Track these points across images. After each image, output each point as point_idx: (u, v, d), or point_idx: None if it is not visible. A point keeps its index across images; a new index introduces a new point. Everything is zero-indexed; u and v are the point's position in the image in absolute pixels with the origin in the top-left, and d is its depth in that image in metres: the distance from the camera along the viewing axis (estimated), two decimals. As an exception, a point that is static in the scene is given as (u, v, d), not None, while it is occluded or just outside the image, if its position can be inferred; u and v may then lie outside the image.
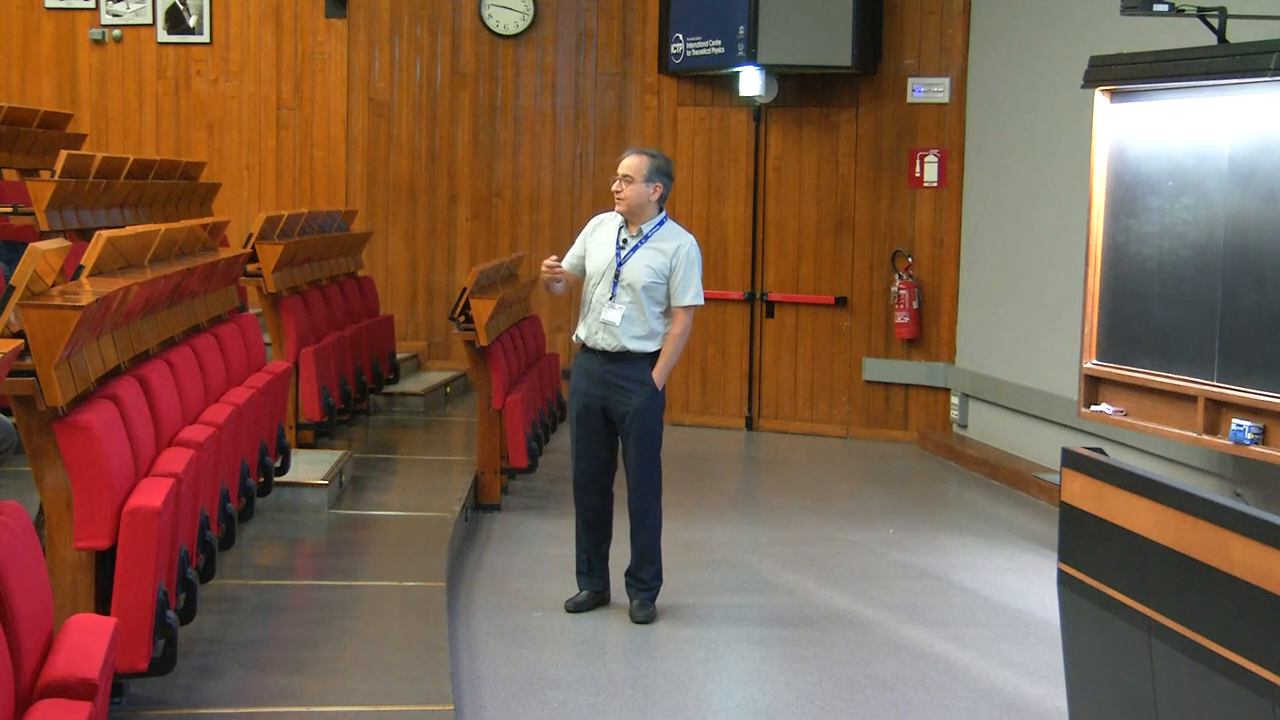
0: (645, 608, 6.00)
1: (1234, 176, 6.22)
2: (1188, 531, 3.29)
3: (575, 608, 6.08)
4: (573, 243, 6.17)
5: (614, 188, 5.91)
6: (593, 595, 6.12)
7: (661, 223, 5.95)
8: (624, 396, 5.90)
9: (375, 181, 11.30)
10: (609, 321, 5.85)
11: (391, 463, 8.47)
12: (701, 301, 5.95)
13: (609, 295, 5.87)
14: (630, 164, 5.87)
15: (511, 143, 11.25)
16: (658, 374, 5.90)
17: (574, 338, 6.08)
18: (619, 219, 5.98)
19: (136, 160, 8.47)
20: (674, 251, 5.88)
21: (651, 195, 5.88)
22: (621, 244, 5.91)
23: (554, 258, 5.98)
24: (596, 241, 6.00)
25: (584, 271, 6.03)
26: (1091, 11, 8.33)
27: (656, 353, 5.91)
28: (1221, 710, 3.16)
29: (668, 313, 5.93)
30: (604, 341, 5.88)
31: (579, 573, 6.16)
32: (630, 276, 5.85)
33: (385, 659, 5.01)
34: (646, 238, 5.90)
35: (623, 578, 6.12)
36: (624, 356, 5.88)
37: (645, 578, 6.04)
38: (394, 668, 4.90)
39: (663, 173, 5.91)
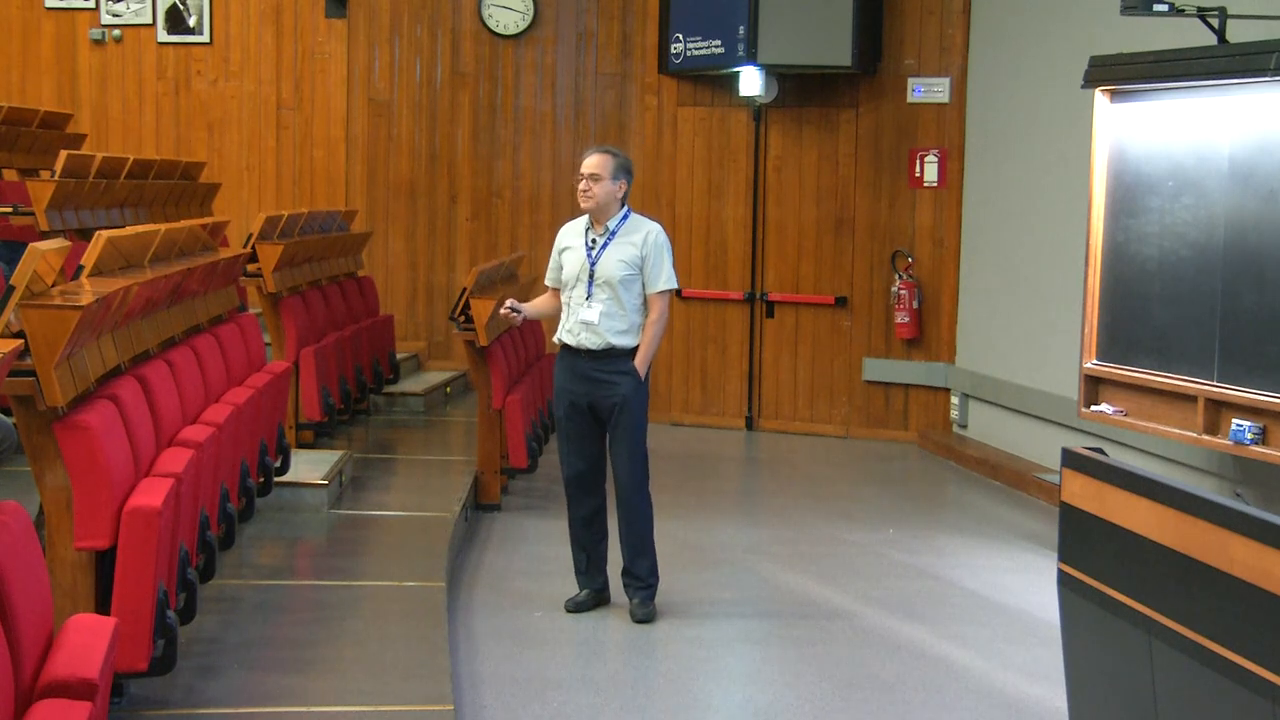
0: (645, 606, 6.00)
1: (1234, 176, 6.22)
2: (1188, 531, 3.29)
3: (575, 607, 6.08)
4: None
5: (581, 187, 5.92)
6: (593, 595, 6.12)
7: (625, 217, 5.99)
8: (610, 390, 5.94)
9: (375, 181, 11.30)
10: (588, 321, 5.90)
11: (391, 463, 8.47)
12: (675, 285, 6.01)
13: (585, 295, 5.91)
14: (596, 162, 5.90)
15: (511, 143, 11.25)
16: (640, 362, 5.95)
17: (555, 339, 6.11)
18: (582, 222, 6.03)
19: (136, 160, 8.47)
20: (643, 241, 5.94)
21: (617, 192, 5.93)
22: (591, 244, 5.95)
23: (512, 300, 6.10)
24: (568, 249, 6.04)
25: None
26: (1091, 11, 8.33)
27: (637, 347, 5.98)
28: (1221, 710, 3.16)
29: (644, 305, 5.98)
30: (588, 340, 5.93)
31: (578, 572, 6.16)
32: (605, 273, 5.89)
33: (385, 659, 5.01)
34: (613, 234, 5.95)
35: (620, 577, 6.12)
36: (608, 353, 5.92)
37: (642, 574, 6.04)
38: (394, 668, 4.90)
39: (626, 170, 5.98)
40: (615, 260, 5.91)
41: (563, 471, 6.16)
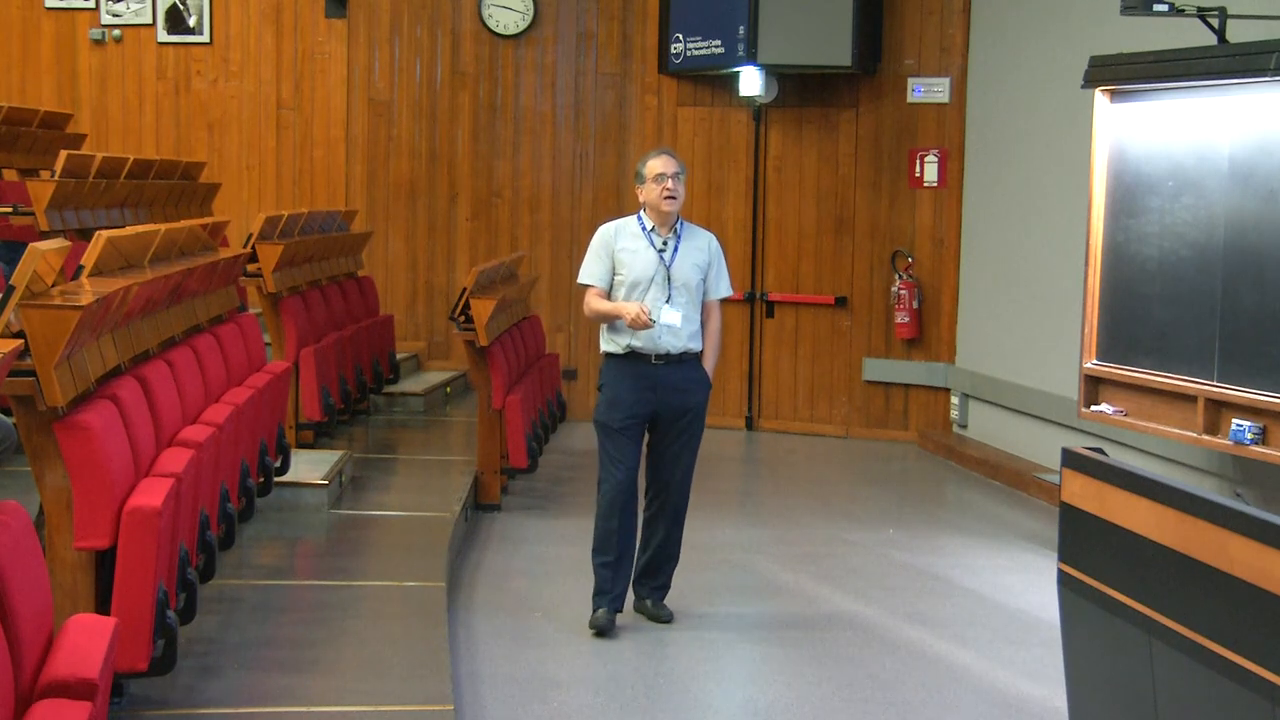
0: (666, 607, 6.00)
1: (1234, 176, 6.22)
2: (1188, 531, 3.29)
3: (603, 631, 5.78)
4: (581, 254, 6.01)
5: (669, 186, 5.76)
6: (616, 611, 5.89)
7: (681, 222, 5.92)
8: (685, 397, 5.81)
9: (375, 181, 11.30)
10: (673, 325, 5.73)
11: (391, 463, 8.47)
12: (733, 292, 6.09)
13: (665, 298, 5.76)
14: (675, 163, 5.83)
15: (511, 143, 11.25)
16: (711, 368, 5.91)
17: (622, 347, 5.78)
18: (634, 223, 5.88)
19: (136, 160, 8.47)
20: (707, 246, 5.92)
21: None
22: (661, 247, 5.81)
23: (640, 304, 5.71)
24: (626, 250, 5.82)
25: (611, 285, 5.85)
26: (1091, 11, 8.33)
27: (700, 350, 5.90)
28: (1221, 710, 3.16)
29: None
30: (669, 344, 5.76)
31: (611, 593, 5.82)
32: (683, 277, 5.79)
33: (385, 659, 5.00)
34: (680, 237, 5.86)
35: (637, 579, 6.01)
36: (683, 357, 5.81)
37: (668, 579, 6.03)
38: (394, 668, 4.89)
39: None
40: (690, 264, 5.81)
41: (610, 482, 5.80)
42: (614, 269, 5.85)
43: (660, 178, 5.79)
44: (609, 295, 5.86)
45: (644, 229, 5.86)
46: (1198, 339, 6.37)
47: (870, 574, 6.96)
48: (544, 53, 11.17)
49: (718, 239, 6.05)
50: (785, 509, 8.46)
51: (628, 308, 5.71)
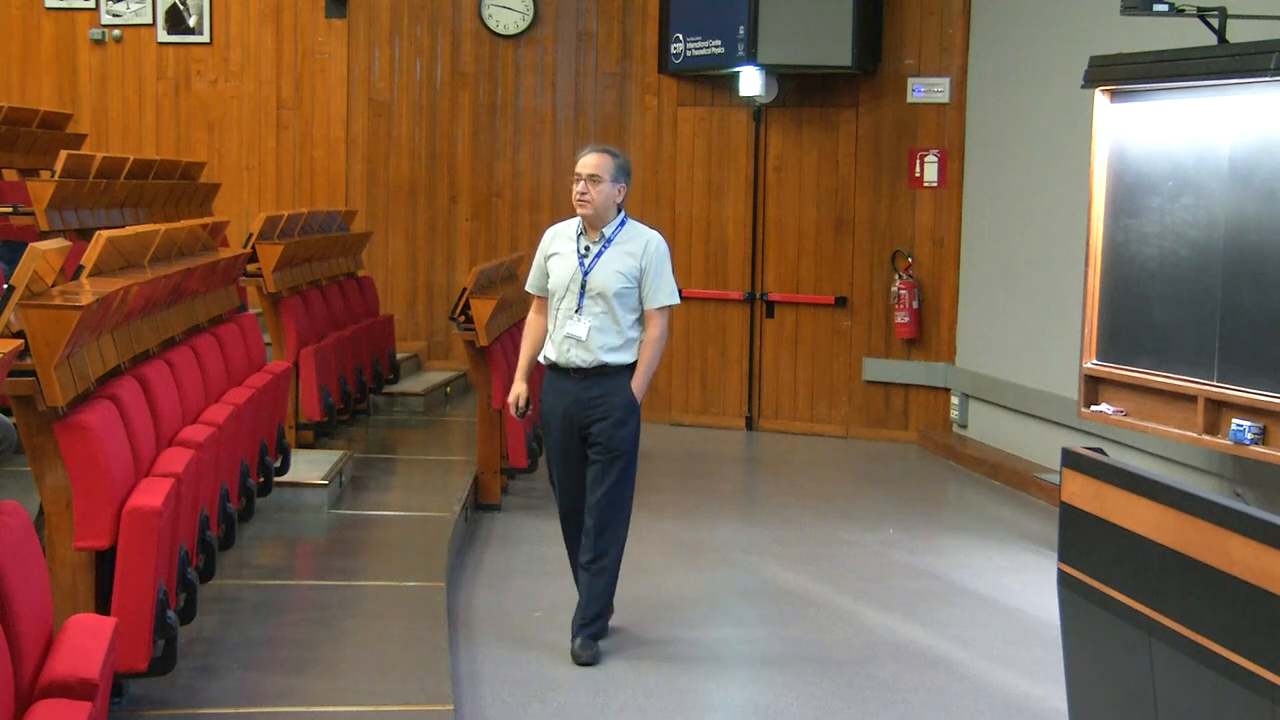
0: (590, 646, 5.46)
1: (1234, 176, 6.22)
2: (1188, 531, 3.29)
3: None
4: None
5: (578, 189, 5.36)
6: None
7: (623, 224, 5.48)
8: (596, 411, 5.42)
9: (375, 181, 11.30)
10: (576, 336, 5.37)
11: (391, 463, 8.47)
12: (677, 300, 5.51)
13: (575, 308, 5.39)
14: (595, 163, 5.37)
15: (511, 143, 11.25)
16: (637, 384, 5.43)
17: (541, 358, 5.58)
18: (574, 225, 5.52)
19: (136, 160, 8.47)
20: (642, 251, 5.42)
21: (616, 197, 5.42)
22: (584, 252, 5.44)
23: (515, 397, 5.62)
24: (555, 255, 5.51)
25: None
26: (1091, 11, 8.33)
27: (634, 364, 5.47)
28: (1221, 710, 3.16)
29: (643, 319, 5.48)
30: (577, 358, 5.40)
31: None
32: (600, 285, 5.37)
33: (385, 659, 5.01)
34: (609, 241, 5.43)
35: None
36: (600, 371, 5.41)
37: (594, 619, 5.49)
38: (394, 668, 4.90)
39: (626, 171, 5.47)
40: (612, 271, 5.38)
41: (559, 503, 5.71)
42: (549, 273, 5.56)
43: (575, 179, 5.43)
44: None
45: (578, 233, 5.50)
46: (1198, 339, 6.37)
47: (870, 574, 6.96)
48: (544, 53, 11.17)
49: (665, 242, 5.56)
50: (785, 509, 8.46)
51: (514, 387, 5.67)
